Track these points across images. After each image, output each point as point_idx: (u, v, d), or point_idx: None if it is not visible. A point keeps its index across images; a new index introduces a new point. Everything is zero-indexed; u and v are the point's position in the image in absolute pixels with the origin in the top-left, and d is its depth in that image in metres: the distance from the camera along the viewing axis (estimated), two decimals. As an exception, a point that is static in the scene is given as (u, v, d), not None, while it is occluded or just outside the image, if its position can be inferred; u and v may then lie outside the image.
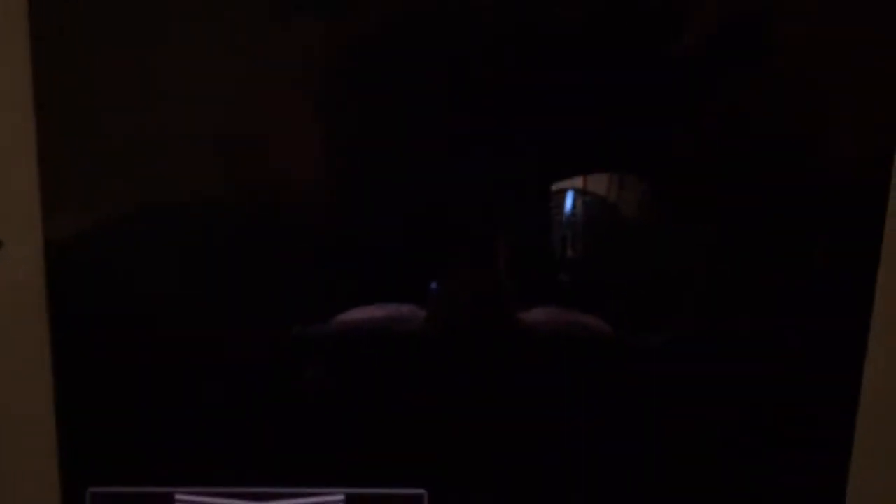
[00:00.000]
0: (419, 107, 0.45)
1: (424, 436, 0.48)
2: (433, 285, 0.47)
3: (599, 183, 0.47)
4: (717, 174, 0.46)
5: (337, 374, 0.48)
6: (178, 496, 0.48)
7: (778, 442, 0.48)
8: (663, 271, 0.47)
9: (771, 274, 0.47)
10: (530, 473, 0.49)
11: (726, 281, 0.47)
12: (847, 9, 0.44)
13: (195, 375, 0.47)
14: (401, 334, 0.46)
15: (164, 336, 0.46)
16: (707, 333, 0.48)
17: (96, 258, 0.46)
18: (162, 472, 0.48)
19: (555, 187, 0.47)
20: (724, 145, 0.46)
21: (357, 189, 0.46)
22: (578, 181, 0.47)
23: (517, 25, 0.44)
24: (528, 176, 0.46)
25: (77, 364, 0.46)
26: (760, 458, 0.48)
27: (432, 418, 0.48)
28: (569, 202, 0.47)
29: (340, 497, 0.49)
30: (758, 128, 0.46)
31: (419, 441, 0.48)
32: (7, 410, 0.46)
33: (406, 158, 0.45)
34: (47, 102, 0.44)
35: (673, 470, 0.49)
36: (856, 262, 0.46)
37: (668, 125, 0.45)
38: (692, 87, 0.45)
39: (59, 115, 0.44)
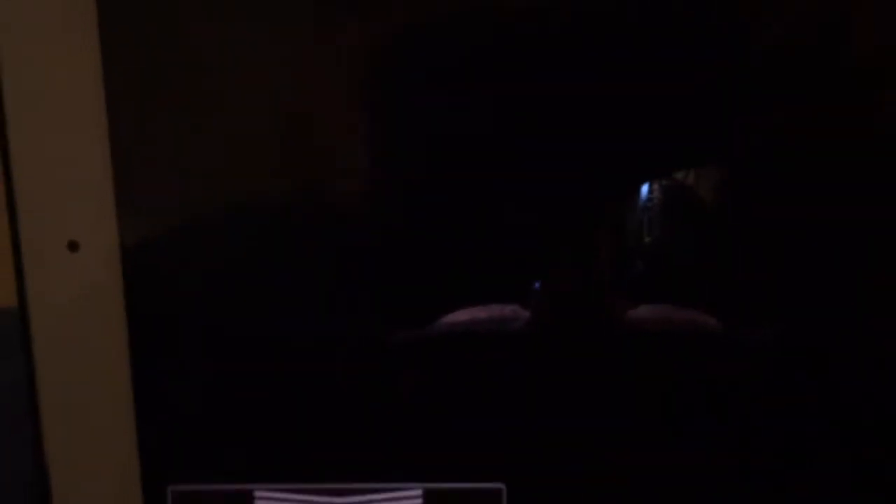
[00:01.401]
0: (507, 106, 0.44)
1: (523, 435, 0.47)
2: (536, 285, 0.46)
3: (702, 176, 0.46)
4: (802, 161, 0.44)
5: (439, 376, 0.47)
6: (257, 493, 0.48)
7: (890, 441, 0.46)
8: (772, 262, 0.46)
9: (873, 261, 0.45)
10: (617, 472, 0.48)
11: (840, 270, 0.46)
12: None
13: (279, 376, 0.47)
14: (505, 335, 0.46)
15: (246, 336, 0.46)
16: (819, 326, 0.46)
17: (173, 258, 0.46)
18: (241, 470, 0.48)
19: (656, 180, 0.46)
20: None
21: (457, 190, 0.45)
22: (680, 173, 0.46)
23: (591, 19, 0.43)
24: (629, 169, 0.45)
25: (155, 364, 0.47)
26: (879, 459, 0.47)
27: (530, 418, 0.47)
28: (669, 195, 0.46)
29: (419, 492, 0.48)
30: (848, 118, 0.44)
31: (518, 441, 0.47)
32: (87, 412, 0.47)
33: (503, 157, 0.45)
34: (120, 104, 0.44)
35: (782, 470, 0.47)
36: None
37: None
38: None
39: (132, 116, 0.44)
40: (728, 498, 0.48)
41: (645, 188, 0.46)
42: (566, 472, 0.48)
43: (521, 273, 0.46)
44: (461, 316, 0.46)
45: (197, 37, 0.44)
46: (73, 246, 0.44)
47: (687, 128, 0.45)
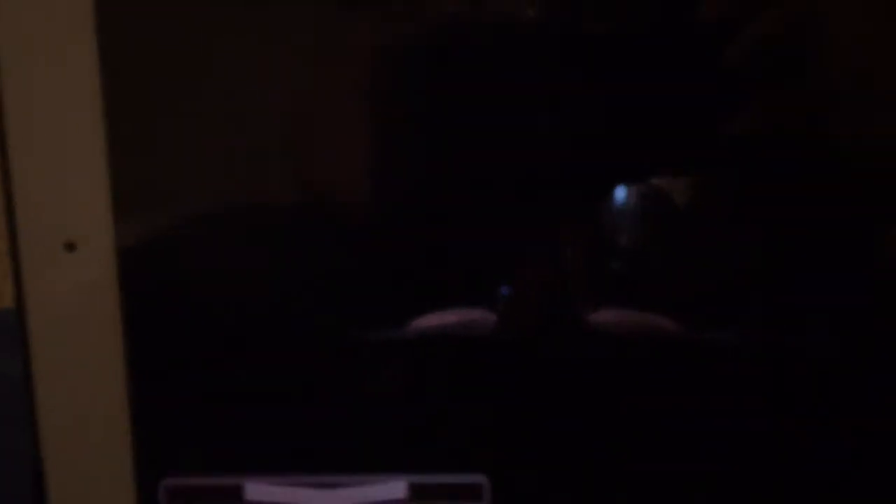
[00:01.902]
0: (480, 107, 0.45)
1: (493, 434, 0.49)
2: (504, 289, 0.47)
3: (669, 178, 0.47)
4: (780, 164, 0.46)
5: (411, 377, 0.48)
6: (248, 485, 0.49)
7: (859, 442, 0.48)
8: (735, 264, 0.47)
9: (850, 265, 0.47)
10: (595, 472, 0.50)
11: (802, 272, 0.47)
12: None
13: (266, 372, 0.48)
14: (472, 339, 0.47)
15: (235, 333, 0.47)
16: (784, 328, 0.48)
17: (168, 258, 0.47)
18: (232, 462, 0.49)
19: (623, 184, 0.47)
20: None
21: (427, 194, 0.46)
22: (648, 177, 0.47)
23: (576, 24, 0.44)
24: (595, 175, 0.46)
25: (149, 359, 0.48)
26: (839, 459, 0.49)
27: (500, 416, 0.49)
28: (637, 198, 0.47)
29: (402, 483, 0.50)
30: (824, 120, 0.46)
31: (487, 439, 0.49)
32: (83, 411, 0.47)
33: (472, 160, 0.46)
34: (116, 103, 0.45)
35: (745, 471, 0.49)
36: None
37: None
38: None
39: (128, 116, 0.45)
40: (694, 494, 0.50)
41: (618, 192, 0.47)
42: (540, 468, 0.50)
43: (490, 277, 0.47)
44: (434, 319, 0.47)
45: (196, 37, 0.44)
46: (70, 246, 0.45)
47: (655, 132, 0.46)
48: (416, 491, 0.50)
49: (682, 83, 0.45)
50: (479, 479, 0.50)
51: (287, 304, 0.48)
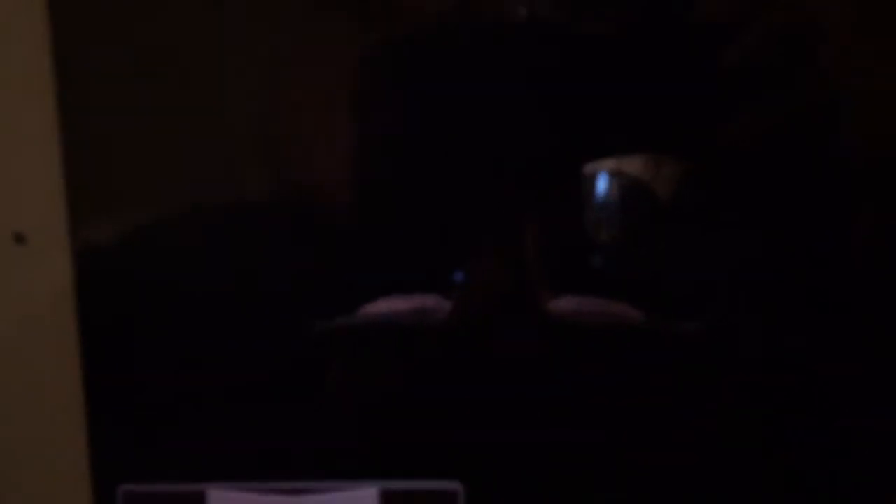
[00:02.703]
0: (442, 94, 0.44)
1: (451, 428, 0.47)
2: (458, 275, 0.46)
3: (630, 165, 0.46)
4: (757, 162, 0.45)
5: (363, 367, 0.47)
6: (210, 492, 0.48)
7: (819, 433, 0.47)
8: (697, 256, 0.46)
9: (811, 261, 0.45)
10: (565, 467, 0.48)
11: (764, 267, 0.46)
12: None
13: (223, 373, 0.46)
14: (426, 326, 0.45)
15: (192, 333, 0.46)
16: (744, 320, 0.46)
17: (123, 258, 0.46)
18: (193, 469, 0.47)
19: (583, 170, 0.46)
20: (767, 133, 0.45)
21: (380, 178, 0.45)
22: (608, 163, 0.46)
23: (549, 17, 0.43)
24: (555, 160, 0.45)
25: (106, 363, 0.46)
26: (800, 451, 0.47)
27: (460, 411, 0.47)
28: (598, 185, 0.46)
29: (373, 491, 0.48)
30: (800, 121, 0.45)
31: (445, 434, 0.47)
32: (38, 412, 0.46)
33: (428, 144, 0.45)
34: (72, 103, 0.44)
35: (708, 463, 0.47)
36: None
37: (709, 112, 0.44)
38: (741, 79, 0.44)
39: (84, 115, 0.44)
40: (666, 480, 0.48)
41: (573, 183, 0.46)
42: (510, 466, 0.48)
43: (444, 264, 0.46)
44: (383, 305, 0.46)
45: (155, 33, 0.44)
46: (19, 238, 0.44)
47: (612, 125, 0.45)
48: (387, 498, 0.48)
49: (670, 80, 0.44)
50: (454, 485, 0.48)
51: (244, 297, 0.46)
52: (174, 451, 0.48)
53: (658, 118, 0.44)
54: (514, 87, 0.44)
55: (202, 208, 0.45)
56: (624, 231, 0.47)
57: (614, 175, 0.46)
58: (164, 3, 0.44)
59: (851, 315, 0.46)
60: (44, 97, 0.43)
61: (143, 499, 0.47)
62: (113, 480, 0.47)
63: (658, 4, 0.44)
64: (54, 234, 0.44)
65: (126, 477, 0.47)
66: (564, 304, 0.46)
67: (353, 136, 0.45)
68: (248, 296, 0.46)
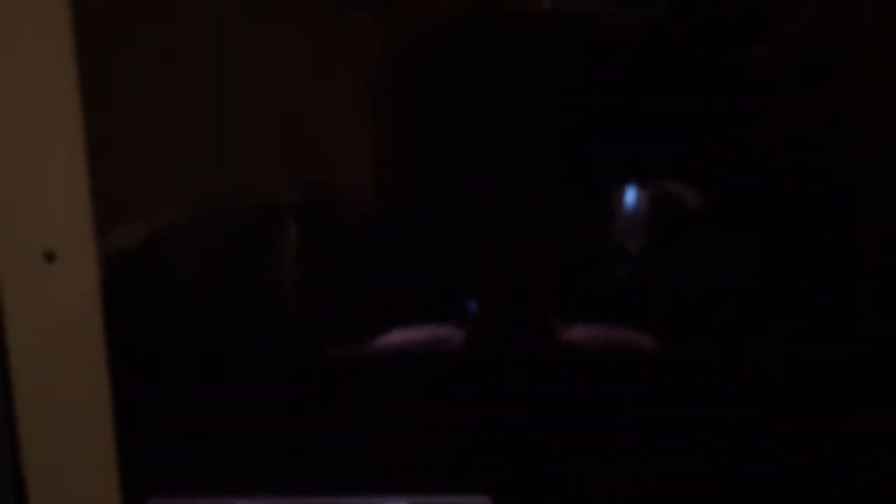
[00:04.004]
0: (451, 120, 0.44)
1: (470, 455, 0.47)
2: (472, 305, 0.45)
3: (641, 194, 0.45)
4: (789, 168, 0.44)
5: (382, 395, 0.47)
6: (237, 506, 0.48)
7: (836, 458, 0.46)
8: (709, 281, 0.45)
9: (829, 283, 0.44)
10: (584, 488, 0.48)
11: (777, 290, 0.45)
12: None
13: (251, 385, 0.46)
14: (440, 356, 0.45)
15: (219, 345, 0.46)
16: (756, 345, 0.45)
17: (150, 268, 0.46)
18: (221, 482, 0.48)
19: (593, 200, 0.45)
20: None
21: (394, 208, 0.45)
22: (617, 192, 0.45)
23: (571, 22, 0.43)
24: (564, 192, 0.44)
25: (134, 376, 0.46)
26: (818, 474, 0.46)
27: (476, 437, 0.47)
28: (628, 196, 0.45)
29: (401, 505, 0.48)
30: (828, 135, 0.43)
31: (465, 459, 0.47)
32: (66, 423, 0.46)
33: (439, 175, 0.44)
34: (97, 111, 0.44)
35: (725, 485, 0.47)
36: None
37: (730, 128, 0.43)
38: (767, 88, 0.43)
39: (109, 123, 0.44)
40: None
41: (584, 211, 0.45)
42: (536, 483, 0.48)
43: (456, 294, 0.46)
44: (397, 337, 0.46)
45: (177, 42, 0.44)
46: (49, 256, 0.44)
47: (622, 152, 0.44)
48: (415, 512, 0.48)
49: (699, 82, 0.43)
50: (483, 500, 0.47)
51: (273, 317, 0.46)
52: (202, 464, 0.48)
53: (685, 123, 0.43)
54: (533, 89, 0.43)
55: (225, 216, 0.45)
56: (653, 242, 0.46)
57: (645, 185, 0.45)
58: (183, 9, 0.44)
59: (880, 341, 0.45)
60: (71, 123, 0.43)
61: (172, 512, 0.48)
62: (141, 493, 0.47)
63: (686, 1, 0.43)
64: (81, 245, 0.44)
65: (154, 490, 0.47)
66: (577, 332, 0.46)
67: (372, 143, 0.45)
68: (271, 307, 0.46)
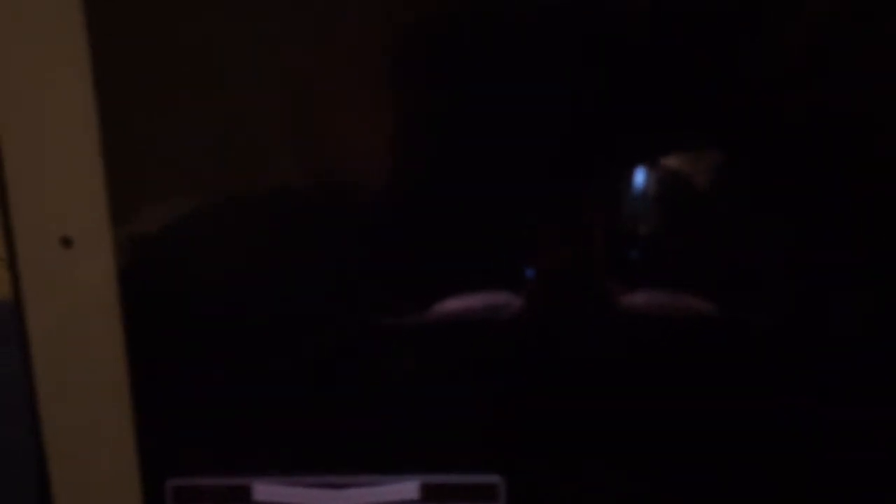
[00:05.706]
0: (499, 88, 0.43)
1: (519, 425, 0.47)
2: (530, 272, 0.45)
3: (697, 162, 0.45)
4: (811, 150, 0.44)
5: (433, 364, 0.47)
6: (256, 486, 0.48)
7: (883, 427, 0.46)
8: (771, 247, 0.45)
9: (863, 257, 0.44)
10: (622, 462, 0.48)
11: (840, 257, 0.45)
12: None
13: (271, 366, 0.47)
14: (498, 323, 0.45)
15: (240, 326, 0.46)
16: (820, 311, 0.45)
17: (168, 252, 0.46)
18: (239, 462, 0.48)
19: (652, 164, 0.45)
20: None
21: (448, 176, 0.45)
22: (677, 156, 0.45)
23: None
24: (624, 153, 0.44)
25: (152, 358, 0.47)
26: (874, 449, 0.46)
27: (525, 407, 0.47)
28: (667, 178, 0.45)
29: (415, 484, 0.48)
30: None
31: (512, 430, 0.47)
32: (85, 405, 0.47)
33: (494, 143, 0.44)
34: (111, 98, 0.44)
35: (778, 461, 0.47)
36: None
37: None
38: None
39: (125, 108, 0.44)
40: (726, 484, 0.48)
41: (640, 175, 0.45)
42: (564, 462, 0.48)
43: (515, 260, 0.46)
44: (453, 304, 0.46)
45: (188, 27, 0.44)
46: (66, 241, 0.44)
47: (679, 115, 0.44)
48: (429, 491, 0.49)
49: (702, 68, 0.43)
50: (494, 479, 0.48)
51: (298, 293, 0.46)
52: (221, 445, 0.48)
53: (705, 101, 0.44)
54: (567, 68, 0.43)
55: (247, 201, 0.46)
56: (663, 224, 0.46)
57: (653, 167, 0.45)
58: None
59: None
60: (85, 109, 0.44)
61: (190, 493, 0.49)
62: (161, 475, 0.48)
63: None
64: (98, 231, 0.45)
65: (174, 471, 0.48)
66: (637, 298, 0.46)
67: (403, 124, 0.45)
68: (305, 289, 0.46)
